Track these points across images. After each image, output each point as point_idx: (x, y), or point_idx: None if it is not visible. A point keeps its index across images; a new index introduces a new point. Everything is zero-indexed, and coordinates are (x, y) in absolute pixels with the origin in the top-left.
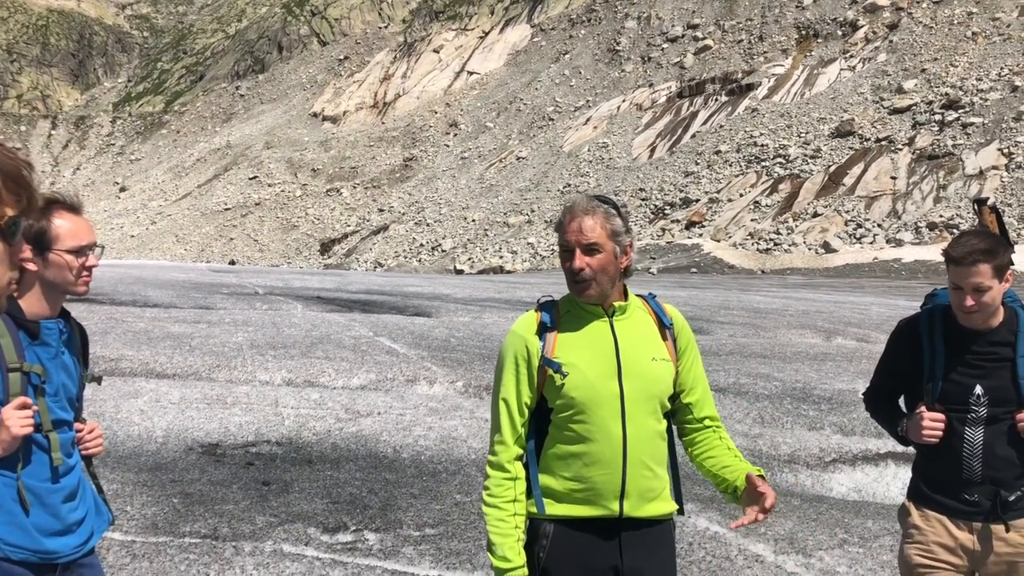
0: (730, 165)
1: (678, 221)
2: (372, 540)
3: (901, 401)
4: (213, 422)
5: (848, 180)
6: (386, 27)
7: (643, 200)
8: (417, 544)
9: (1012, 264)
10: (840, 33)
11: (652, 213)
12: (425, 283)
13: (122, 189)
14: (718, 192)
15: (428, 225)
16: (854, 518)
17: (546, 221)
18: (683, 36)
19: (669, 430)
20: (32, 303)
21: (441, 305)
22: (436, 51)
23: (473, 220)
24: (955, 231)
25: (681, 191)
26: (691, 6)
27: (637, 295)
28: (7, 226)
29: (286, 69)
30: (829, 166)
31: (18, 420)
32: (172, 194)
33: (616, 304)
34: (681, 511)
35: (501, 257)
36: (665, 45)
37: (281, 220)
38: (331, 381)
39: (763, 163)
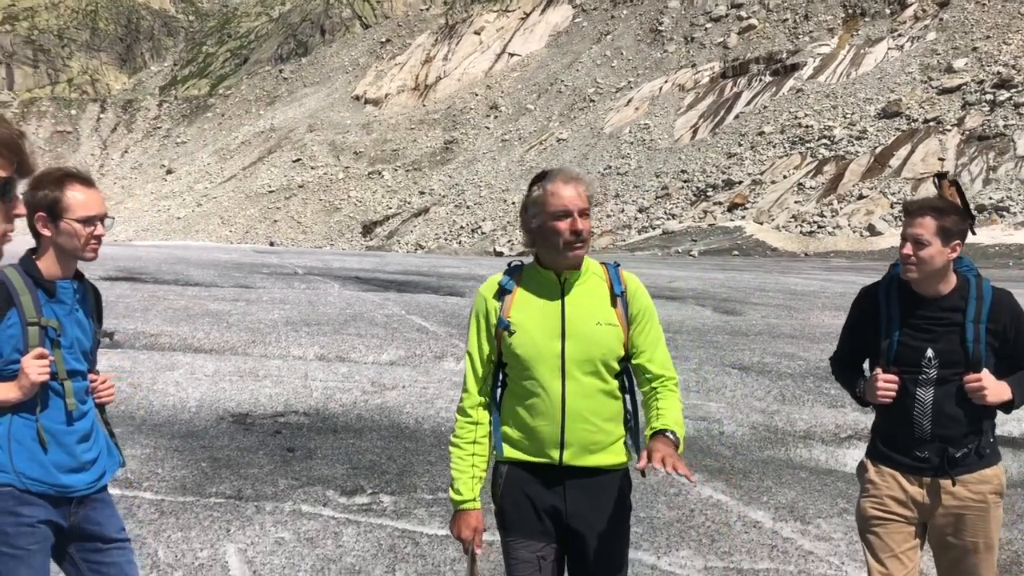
0: (774, 146)
1: (720, 203)
2: (387, 502)
3: (867, 365)
4: (244, 393)
5: (894, 162)
6: (428, 9)
7: (685, 182)
8: (429, 506)
9: (963, 235)
10: (888, 11)
11: (694, 195)
12: (462, 264)
13: (168, 172)
14: (761, 174)
15: (468, 207)
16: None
17: None
18: (727, 16)
19: (626, 389)
20: (49, 265)
21: (476, 285)
22: (477, 33)
23: (513, 202)
24: (1005, 214)
25: (723, 173)
26: None
27: (602, 263)
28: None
29: (329, 52)
30: (875, 147)
31: (36, 368)
32: (217, 176)
33: (570, 271)
34: (642, 473)
35: None
36: (708, 25)
37: (324, 202)
38: (361, 357)
39: (807, 144)
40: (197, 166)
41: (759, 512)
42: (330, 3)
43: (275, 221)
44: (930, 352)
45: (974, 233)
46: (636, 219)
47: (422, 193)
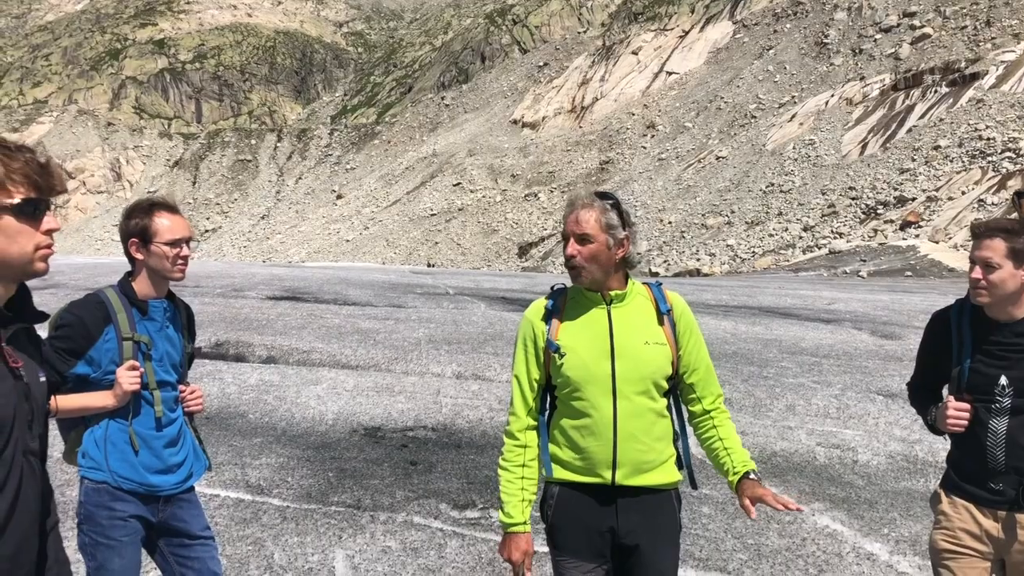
0: (951, 161)
1: (892, 221)
2: (495, 517)
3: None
4: (379, 408)
5: None
6: (585, 32)
7: (853, 199)
8: (536, 523)
9: None
10: None
11: (863, 213)
12: None
13: (338, 196)
14: (937, 190)
15: None
16: None
17: (747, 222)
18: (898, 25)
19: (673, 408)
20: (143, 287)
21: None
22: (635, 53)
23: (669, 222)
24: None
25: (895, 189)
26: None
27: (644, 283)
28: (16, 206)
29: (488, 78)
30: None
31: (128, 378)
32: (383, 201)
33: (614, 292)
34: (694, 485)
35: (698, 260)
36: (878, 36)
37: (482, 224)
38: (496, 375)
39: (989, 158)
40: (365, 191)
41: (876, 544)
42: (490, 30)
43: (436, 243)
44: (1004, 380)
45: None
46: (800, 238)
47: None
